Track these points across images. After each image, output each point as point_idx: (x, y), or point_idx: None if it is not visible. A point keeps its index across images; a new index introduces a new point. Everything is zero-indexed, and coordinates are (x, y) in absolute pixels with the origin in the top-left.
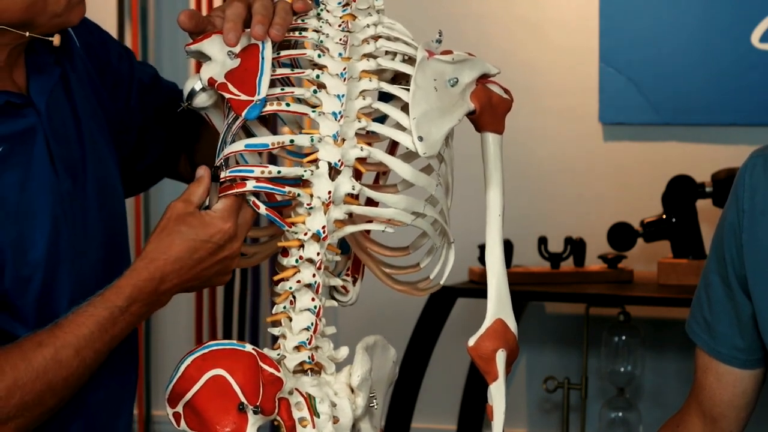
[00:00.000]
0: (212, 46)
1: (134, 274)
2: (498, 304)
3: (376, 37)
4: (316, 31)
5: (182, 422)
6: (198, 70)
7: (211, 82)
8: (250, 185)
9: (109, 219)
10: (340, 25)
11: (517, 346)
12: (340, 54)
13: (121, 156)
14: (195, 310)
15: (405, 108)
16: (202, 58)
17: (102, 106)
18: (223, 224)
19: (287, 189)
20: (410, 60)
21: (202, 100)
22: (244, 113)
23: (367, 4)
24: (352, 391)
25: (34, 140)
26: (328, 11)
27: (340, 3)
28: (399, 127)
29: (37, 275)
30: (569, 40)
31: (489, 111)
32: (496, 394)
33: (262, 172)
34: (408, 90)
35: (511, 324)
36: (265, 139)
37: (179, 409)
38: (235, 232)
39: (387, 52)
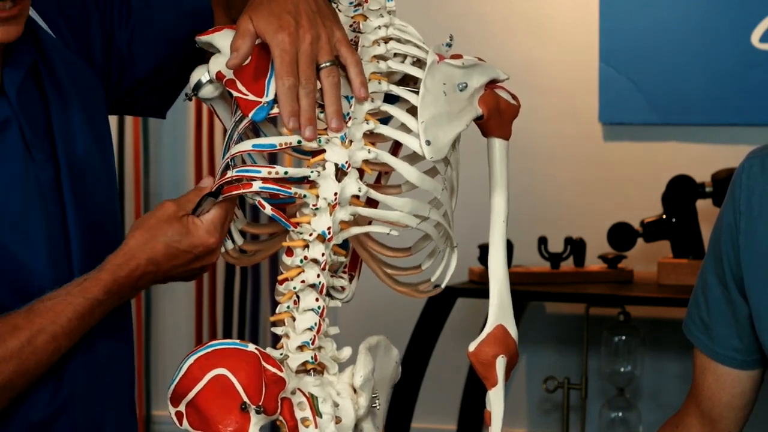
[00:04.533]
0: (223, 39)
1: (114, 269)
2: (499, 310)
3: (387, 39)
4: None
5: (185, 421)
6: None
7: (220, 76)
8: (257, 186)
9: (92, 207)
10: (351, 26)
11: (517, 353)
12: None
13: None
14: (195, 310)
15: (411, 110)
16: (211, 49)
17: (95, 73)
18: (208, 238)
19: (293, 190)
20: (420, 63)
21: (208, 92)
22: (251, 114)
23: (379, 5)
24: (355, 391)
25: (6, 132)
26: (339, 11)
27: (351, 3)
28: (405, 129)
29: (29, 279)
30: (569, 40)
31: (496, 116)
32: (495, 399)
33: (269, 173)
34: (416, 93)
35: (512, 330)
36: (272, 139)
37: (182, 408)
38: (218, 245)
39: (396, 54)
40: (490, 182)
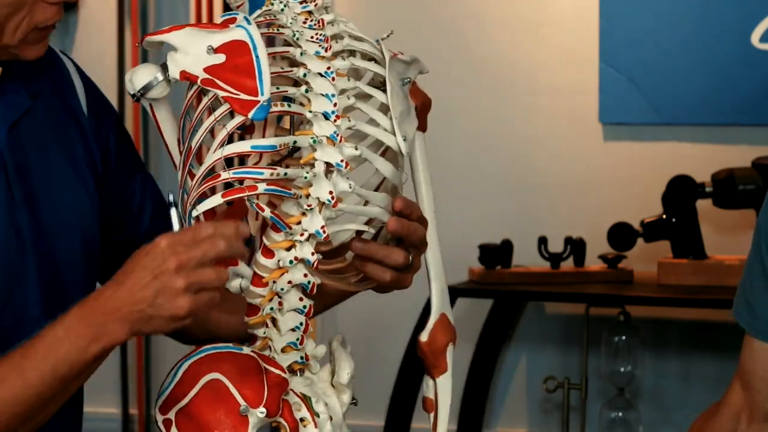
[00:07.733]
0: (182, 37)
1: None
2: (442, 300)
3: (341, 36)
4: (283, 26)
5: (173, 429)
6: None
7: (188, 76)
8: (261, 188)
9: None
10: (305, 22)
11: (456, 339)
12: (316, 52)
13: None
14: None
15: (380, 107)
16: (163, 48)
17: (87, 152)
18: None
19: (293, 191)
20: (371, 58)
21: (158, 92)
22: (251, 114)
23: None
24: (335, 388)
25: None
26: (289, 7)
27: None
28: (375, 125)
29: None
30: (569, 40)
31: (423, 110)
32: (444, 387)
33: (272, 174)
34: (381, 90)
35: (451, 318)
36: (273, 140)
37: (170, 416)
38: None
39: (352, 51)
40: (413, 176)
